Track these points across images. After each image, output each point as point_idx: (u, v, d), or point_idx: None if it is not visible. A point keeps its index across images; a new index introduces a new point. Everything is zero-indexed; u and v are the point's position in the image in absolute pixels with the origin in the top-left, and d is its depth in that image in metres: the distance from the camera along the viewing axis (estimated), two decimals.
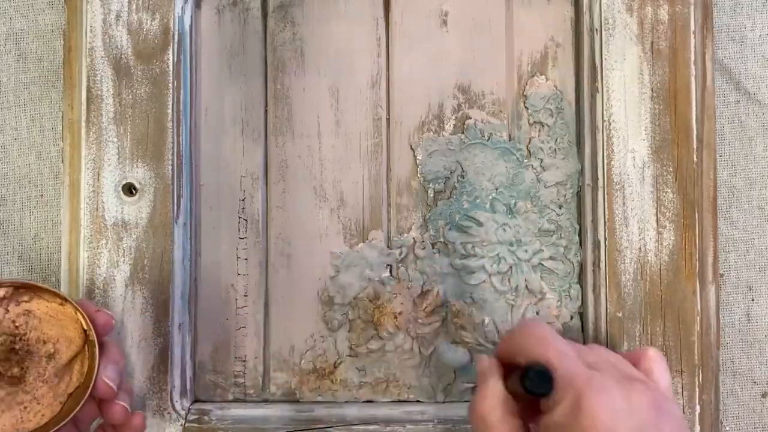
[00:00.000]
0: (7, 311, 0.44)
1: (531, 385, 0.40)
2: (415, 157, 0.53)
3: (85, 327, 0.44)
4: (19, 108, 0.55)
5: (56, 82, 0.55)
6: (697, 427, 0.49)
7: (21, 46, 0.55)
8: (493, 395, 0.42)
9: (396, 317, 0.53)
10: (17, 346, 0.43)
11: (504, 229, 0.52)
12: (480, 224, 0.53)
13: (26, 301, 0.44)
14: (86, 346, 0.44)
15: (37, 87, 0.55)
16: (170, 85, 0.50)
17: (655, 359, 0.43)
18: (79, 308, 0.44)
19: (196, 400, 0.52)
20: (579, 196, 0.53)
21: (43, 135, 0.55)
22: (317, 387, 0.53)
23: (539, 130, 0.53)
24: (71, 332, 0.44)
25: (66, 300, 0.44)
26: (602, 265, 0.50)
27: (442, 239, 0.53)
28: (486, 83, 0.53)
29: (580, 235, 0.53)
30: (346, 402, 0.53)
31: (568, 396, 0.39)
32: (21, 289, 0.44)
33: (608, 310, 0.50)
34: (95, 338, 0.43)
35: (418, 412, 0.51)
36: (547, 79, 0.53)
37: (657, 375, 0.43)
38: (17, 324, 0.44)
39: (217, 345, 0.53)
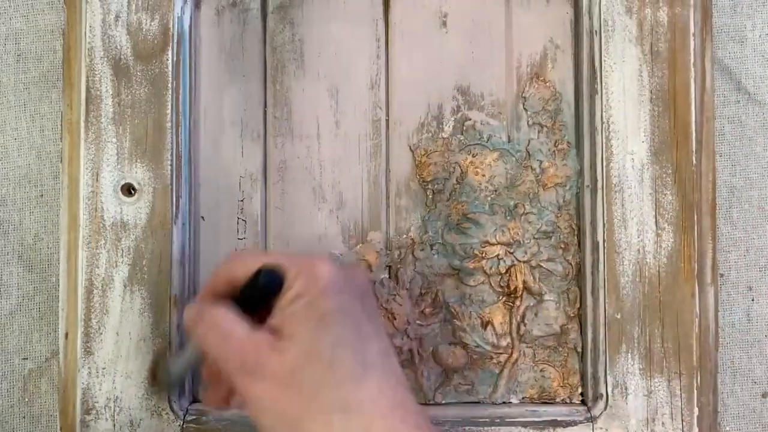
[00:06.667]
0: None
1: (264, 280, 0.41)
2: (414, 158, 0.53)
3: None
4: (19, 108, 0.55)
5: (56, 82, 0.55)
6: (696, 429, 0.49)
7: (21, 46, 0.55)
8: (226, 314, 0.42)
9: (395, 318, 0.53)
10: None
11: (503, 231, 0.52)
12: (479, 225, 0.53)
13: None
14: None
15: (37, 87, 0.55)
16: (169, 85, 0.50)
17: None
18: None
19: (194, 401, 0.52)
20: (578, 197, 0.53)
21: (43, 135, 0.55)
22: None
23: (538, 132, 0.53)
24: None
25: None
26: (601, 266, 0.50)
27: (441, 240, 0.53)
28: (485, 85, 0.53)
29: (578, 236, 0.53)
30: None
31: (300, 272, 0.42)
32: None
33: (607, 312, 0.50)
34: None
35: None
36: (546, 81, 0.53)
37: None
38: None
39: None
